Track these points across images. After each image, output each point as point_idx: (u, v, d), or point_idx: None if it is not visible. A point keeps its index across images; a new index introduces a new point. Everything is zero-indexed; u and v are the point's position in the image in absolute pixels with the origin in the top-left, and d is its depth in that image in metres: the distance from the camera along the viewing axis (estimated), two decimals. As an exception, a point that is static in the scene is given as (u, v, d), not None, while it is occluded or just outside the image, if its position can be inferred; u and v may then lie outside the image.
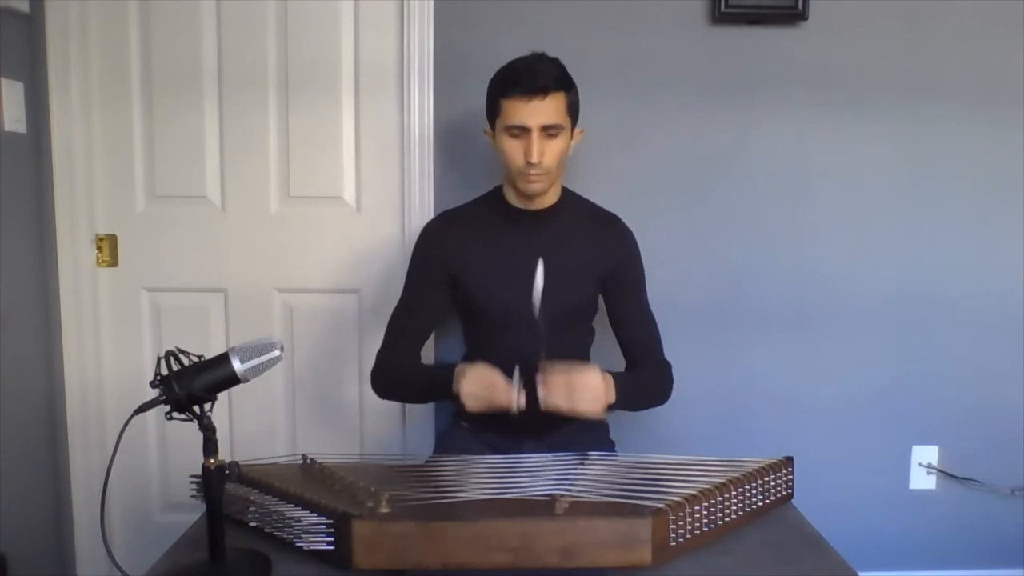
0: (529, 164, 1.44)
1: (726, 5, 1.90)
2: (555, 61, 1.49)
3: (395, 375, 1.59)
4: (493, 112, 1.50)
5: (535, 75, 1.43)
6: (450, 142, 1.97)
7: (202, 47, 1.95)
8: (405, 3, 1.92)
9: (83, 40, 1.92)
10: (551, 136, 1.45)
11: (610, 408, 1.40)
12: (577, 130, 1.54)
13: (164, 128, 1.98)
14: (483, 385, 1.38)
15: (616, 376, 1.43)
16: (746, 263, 2.04)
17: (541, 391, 1.32)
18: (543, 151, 1.44)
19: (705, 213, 2.02)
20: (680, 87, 1.97)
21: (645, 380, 1.58)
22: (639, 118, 1.97)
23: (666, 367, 1.61)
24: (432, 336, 1.99)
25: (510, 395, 1.34)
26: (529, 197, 1.53)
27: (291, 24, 1.95)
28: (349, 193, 2.01)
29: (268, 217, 2.01)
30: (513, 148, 1.46)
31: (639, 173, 2.00)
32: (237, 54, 1.95)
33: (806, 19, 1.92)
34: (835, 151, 2.01)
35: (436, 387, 1.49)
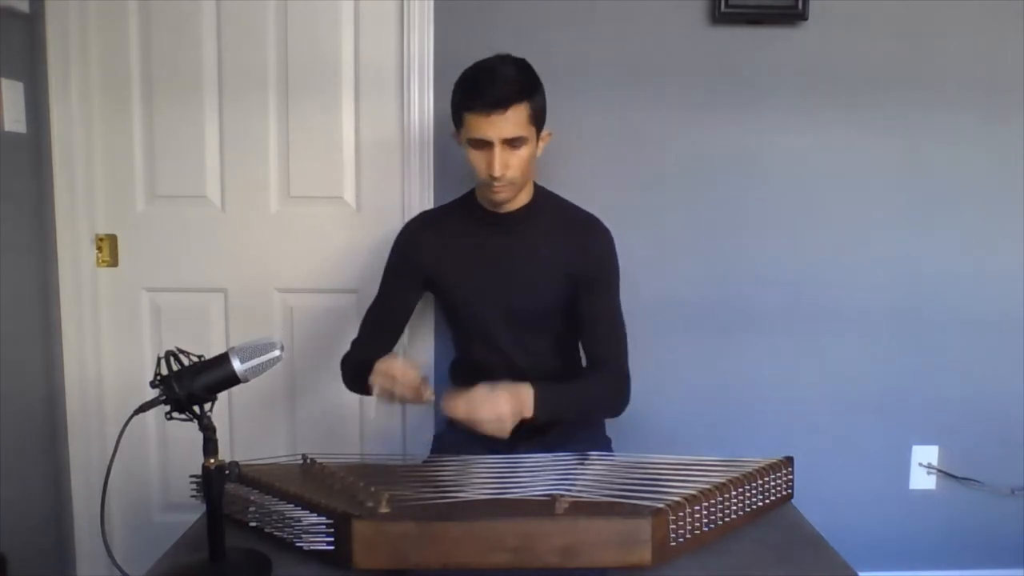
0: (492, 177, 1.44)
1: (726, 5, 1.90)
2: (518, 65, 1.46)
3: (353, 363, 1.61)
4: (457, 120, 1.48)
5: (495, 86, 1.40)
6: (450, 142, 1.96)
7: (202, 48, 1.95)
8: (405, 3, 1.92)
9: (83, 40, 1.92)
10: (515, 147, 1.43)
11: (526, 422, 1.37)
12: (545, 132, 1.51)
13: (164, 128, 1.98)
14: (387, 377, 1.35)
15: (548, 390, 1.39)
16: (746, 262, 2.04)
17: (444, 408, 1.32)
18: (507, 163, 1.43)
19: (704, 213, 2.02)
20: (680, 87, 1.97)
21: (582, 391, 1.51)
22: (638, 118, 1.97)
23: (620, 379, 1.54)
24: (432, 337, 2.00)
25: (417, 392, 1.34)
26: (494, 205, 1.53)
27: (291, 24, 1.95)
28: (349, 193, 2.01)
29: (268, 217, 2.01)
30: (477, 159, 1.45)
31: (638, 173, 1.99)
32: (237, 55, 1.95)
33: (806, 19, 1.92)
34: (835, 151, 2.01)
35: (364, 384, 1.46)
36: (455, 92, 1.47)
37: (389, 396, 1.37)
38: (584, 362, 1.61)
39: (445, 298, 1.61)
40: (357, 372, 1.55)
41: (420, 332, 2.01)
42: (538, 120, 1.47)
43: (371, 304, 1.66)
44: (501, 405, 1.31)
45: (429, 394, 1.36)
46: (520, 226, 1.55)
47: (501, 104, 1.39)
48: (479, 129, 1.41)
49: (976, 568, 2.14)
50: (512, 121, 1.41)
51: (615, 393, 1.53)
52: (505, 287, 1.54)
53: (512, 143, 1.42)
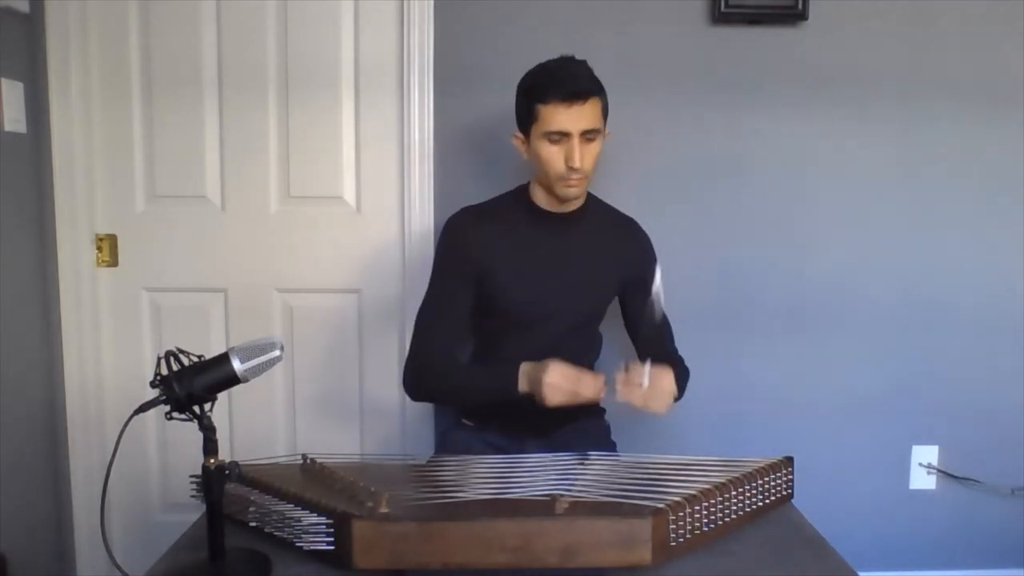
0: (571, 169, 1.43)
1: (726, 5, 1.90)
2: (585, 64, 1.48)
3: (439, 377, 1.53)
4: (528, 118, 1.46)
5: (574, 79, 1.41)
6: (450, 142, 1.97)
7: (202, 47, 1.95)
8: (405, 3, 1.92)
9: (83, 40, 1.93)
10: (590, 140, 1.44)
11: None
12: (606, 131, 1.52)
13: (164, 128, 1.98)
14: (569, 377, 1.36)
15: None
16: (746, 263, 2.04)
17: (621, 389, 1.34)
18: (584, 155, 1.43)
19: (704, 213, 2.02)
20: (680, 87, 1.97)
21: (680, 374, 1.59)
22: (638, 118, 1.97)
23: (682, 361, 1.65)
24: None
25: (595, 386, 1.36)
26: (564, 201, 1.52)
27: (291, 24, 1.95)
28: (349, 193, 2.01)
29: (268, 217, 2.01)
30: (553, 154, 1.44)
31: (638, 173, 2.00)
32: (237, 54, 1.95)
33: (806, 19, 1.92)
34: (835, 151, 2.01)
35: (494, 386, 1.45)
36: (526, 88, 1.47)
37: (567, 396, 1.37)
38: (640, 357, 1.60)
39: (489, 293, 1.55)
40: (460, 382, 1.53)
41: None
42: (606, 116, 1.48)
43: (425, 310, 1.56)
44: (671, 383, 1.40)
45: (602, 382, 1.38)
46: (576, 228, 1.56)
47: (582, 95, 1.40)
48: (558, 121, 1.41)
49: (976, 568, 2.14)
50: (590, 112, 1.42)
51: (686, 376, 1.64)
52: (560, 288, 1.54)
53: (588, 135, 1.43)
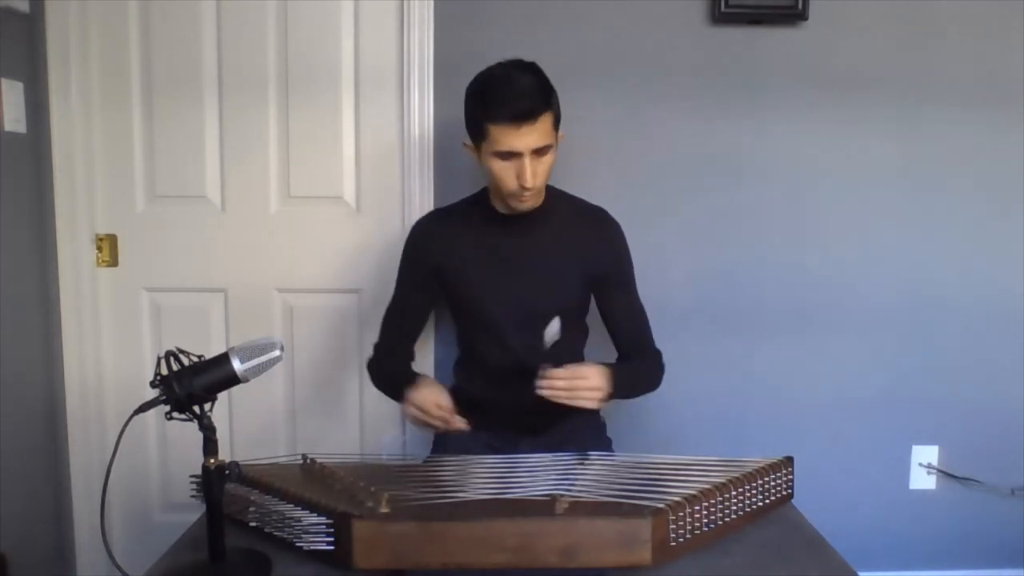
0: (523, 188, 1.43)
1: (726, 5, 1.90)
2: (533, 70, 1.45)
3: (382, 371, 1.65)
4: (477, 133, 1.44)
5: (520, 97, 1.38)
6: (450, 142, 1.97)
7: (202, 47, 1.95)
8: (405, 3, 1.92)
9: (83, 40, 1.93)
10: (542, 155, 1.43)
11: (607, 399, 1.43)
12: (559, 134, 1.51)
13: (164, 128, 1.98)
14: (420, 404, 1.41)
15: (614, 368, 1.45)
16: (746, 263, 2.04)
17: (543, 389, 1.34)
18: (536, 172, 1.42)
19: (705, 213, 2.02)
20: (680, 87, 1.97)
21: (640, 371, 1.61)
22: (639, 118, 1.97)
23: (658, 356, 1.64)
24: (432, 336, 2.00)
25: (440, 415, 1.39)
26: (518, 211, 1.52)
27: (291, 24, 1.95)
28: (349, 193, 2.01)
29: (268, 217, 2.01)
30: (504, 170, 1.43)
31: (638, 173, 2.00)
32: (237, 54, 1.95)
33: (806, 19, 1.92)
34: (835, 151, 2.01)
35: (400, 393, 1.50)
36: (473, 104, 1.45)
37: (423, 425, 1.44)
38: (617, 350, 1.66)
39: (457, 296, 1.60)
40: (388, 381, 1.63)
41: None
42: (558, 124, 1.47)
43: (388, 307, 1.68)
44: (597, 377, 1.39)
45: (459, 423, 1.41)
46: (536, 227, 1.55)
47: (530, 115, 1.37)
48: (507, 142, 1.39)
49: (976, 568, 2.14)
50: (540, 131, 1.39)
51: (658, 371, 1.64)
52: (521, 288, 1.54)
53: (540, 152, 1.42)
